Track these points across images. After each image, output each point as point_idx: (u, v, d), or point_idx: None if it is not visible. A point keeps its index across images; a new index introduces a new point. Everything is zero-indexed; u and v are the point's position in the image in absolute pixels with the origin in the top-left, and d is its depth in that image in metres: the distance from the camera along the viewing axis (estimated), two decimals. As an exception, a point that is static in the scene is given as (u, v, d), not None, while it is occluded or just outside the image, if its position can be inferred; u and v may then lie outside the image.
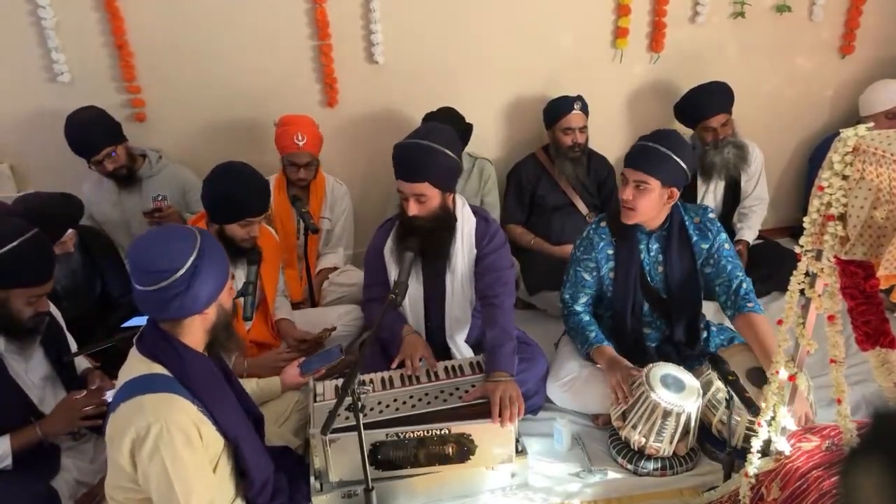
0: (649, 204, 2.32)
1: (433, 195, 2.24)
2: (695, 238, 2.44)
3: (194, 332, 1.69)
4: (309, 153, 2.96)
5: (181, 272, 1.57)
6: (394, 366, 2.32)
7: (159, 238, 1.65)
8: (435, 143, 2.19)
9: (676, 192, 2.35)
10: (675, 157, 2.27)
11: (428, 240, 2.29)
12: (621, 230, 2.43)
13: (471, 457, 2.11)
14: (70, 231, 2.51)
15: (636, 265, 2.43)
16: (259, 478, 1.80)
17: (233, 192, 2.37)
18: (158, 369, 1.63)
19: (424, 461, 2.09)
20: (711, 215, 2.49)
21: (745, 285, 2.40)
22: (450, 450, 2.09)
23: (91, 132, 2.89)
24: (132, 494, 1.64)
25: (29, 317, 2.01)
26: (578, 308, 2.55)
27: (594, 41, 3.49)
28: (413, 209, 2.24)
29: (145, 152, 3.12)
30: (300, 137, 2.89)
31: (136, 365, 1.65)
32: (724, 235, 2.45)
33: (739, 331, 2.42)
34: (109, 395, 2.04)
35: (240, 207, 2.39)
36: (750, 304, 2.36)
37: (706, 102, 3.23)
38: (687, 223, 2.44)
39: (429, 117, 3.15)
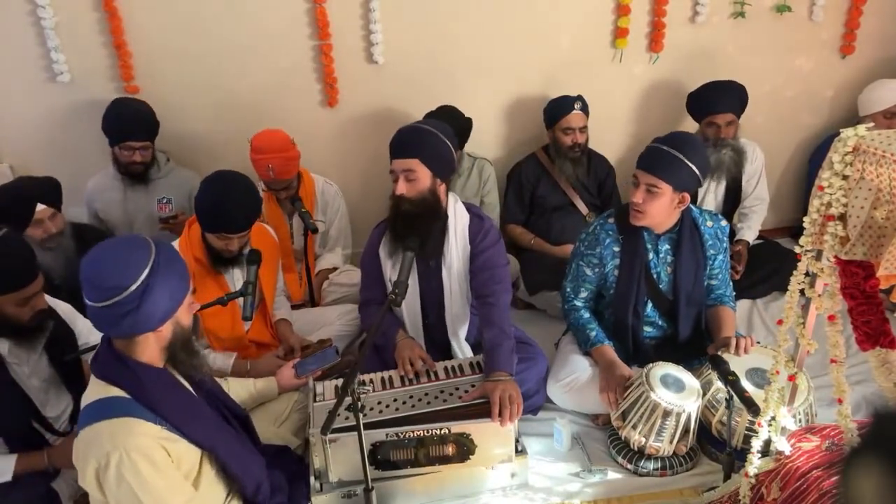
0: (660, 208, 2.31)
1: (423, 175, 2.24)
2: (710, 242, 2.46)
3: (149, 350, 1.61)
4: (281, 181, 2.90)
5: (132, 289, 1.49)
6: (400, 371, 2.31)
7: (112, 252, 1.55)
8: (429, 127, 2.27)
9: (688, 197, 2.34)
10: (688, 162, 2.25)
11: (418, 232, 2.26)
12: (628, 228, 2.42)
13: (470, 456, 2.11)
14: (42, 208, 2.46)
15: (641, 264, 2.43)
16: (250, 480, 1.76)
17: (217, 202, 2.31)
18: (115, 392, 1.56)
19: (424, 461, 2.09)
20: (723, 223, 2.51)
21: (729, 291, 2.57)
22: (450, 449, 2.09)
23: (141, 120, 3.00)
24: None
25: (29, 317, 1.97)
26: (579, 303, 2.56)
27: (594, 41, 3.49)
28: (401, 187, 2.25)
29: (155, 154, 3.13)
30: (270, 169, 2.83)
31: (94, 388, 1.59)
32: (727, 251, 2.54)
33: (707, 315, 2.55)
34: None
35: (220, 221, 2.34)
36: (727, 301, 2.56)
37: (719, 98, 3.20)
38: (702, 227, 2.45)
39: (429, 117, 3.15)
